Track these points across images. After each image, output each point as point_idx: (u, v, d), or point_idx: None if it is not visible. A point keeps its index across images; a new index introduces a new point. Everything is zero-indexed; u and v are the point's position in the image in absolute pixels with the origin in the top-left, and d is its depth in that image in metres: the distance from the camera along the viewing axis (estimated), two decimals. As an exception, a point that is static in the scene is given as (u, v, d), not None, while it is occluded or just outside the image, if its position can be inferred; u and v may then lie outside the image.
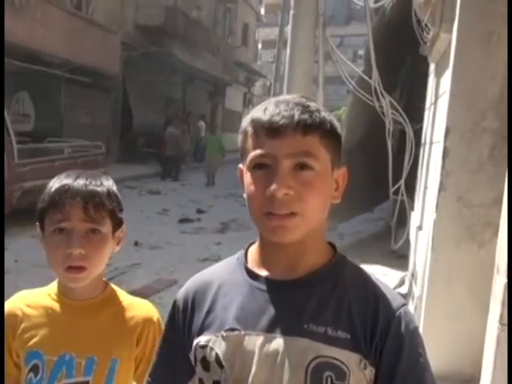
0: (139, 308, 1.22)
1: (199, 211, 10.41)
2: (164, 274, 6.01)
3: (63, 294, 1.21)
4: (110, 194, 1.19)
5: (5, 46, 10.23)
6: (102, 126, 14.85)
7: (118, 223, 1.21)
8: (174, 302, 1.03)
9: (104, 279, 1.25)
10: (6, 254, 6.45)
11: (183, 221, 9.29)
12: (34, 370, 1.17)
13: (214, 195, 12.76)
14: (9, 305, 1.25)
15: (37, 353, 1.17)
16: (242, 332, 0.92)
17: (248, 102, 30.50)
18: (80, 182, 1.17)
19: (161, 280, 5.65)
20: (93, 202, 1.14)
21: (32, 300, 1.23)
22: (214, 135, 16.53)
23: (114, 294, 1.25)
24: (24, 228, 7.92)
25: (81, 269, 1.14)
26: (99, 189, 1.17)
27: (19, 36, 10.84)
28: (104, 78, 14.69)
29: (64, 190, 1.16)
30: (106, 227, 1.17)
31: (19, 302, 1.24)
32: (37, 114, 12.44)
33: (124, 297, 1.25)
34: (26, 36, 11.13)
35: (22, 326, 1.20)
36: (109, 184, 1.21)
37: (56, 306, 1.21)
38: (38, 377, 1.16)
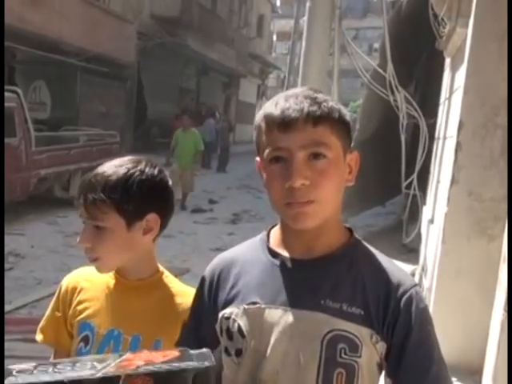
0: (188, 296, 1.23)
1: (211, 201, 10.49)
2: (177, 262, 6.10)
3: (117, 272, 1.26)
4: (111, 186, 1.16)
5: (22, 34, 10.34)
6: (117, 115, 14.97)
7: (132, 214, 1.18)
8: (202, 278, 1.11)
9: (160, 267, 1.29)
10: (23, 239, 6.58)
11: (196, 211, 9.37)
12: (85, 340, 1.23)
13: (226, 186, 12.83)
14: (70, 278, 1.32)
15: (88, 325, 1.24)
16: (263, 306, 0.99)
17: (262, 94, 30.47)
18: (88, 177, 1.20)
19: (173, 268, 5.72)
20: (89, 200, 1.16)
21: (91, 275, 1.29)
22: (185, 130, 9.76)
23: (163, 279, 1.28)
24: (40, 214, 8.07)
25: (94, 259, 1.20)
26: (99, 183, 1.16)
27: (37, 25, 10.94)
28: (119, 67, 14.78)
29: (79, 185, 1.23)
30: (111, 221, 1.17)
31: (80, 276, 1.31)
32: (53, 103, 12.57)
33: (175, 284, 1.28)
34: (43, 25, 11.23)
35: (78, 298, 1.28)
36: (120, 174, 1.17)
37: (111, 283, 1.27)
38: (88, 347, 1.22)
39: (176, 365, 0.86)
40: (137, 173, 1.18)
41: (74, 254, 5.83)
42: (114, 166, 1.20)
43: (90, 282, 1.29)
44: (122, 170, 1.18)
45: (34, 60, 11.60)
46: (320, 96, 0.98)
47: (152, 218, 1.21)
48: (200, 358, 0.88)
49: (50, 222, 7.75)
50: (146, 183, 1.19)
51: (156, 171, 1.22)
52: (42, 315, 1.35)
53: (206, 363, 0.87)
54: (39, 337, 1.33)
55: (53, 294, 1.35)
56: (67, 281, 1.32)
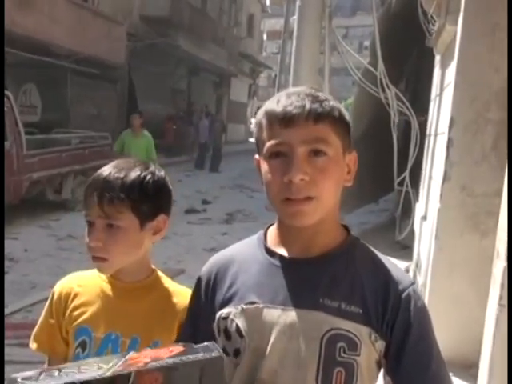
0: (183, 296, 1.24)
1: (205, 202, 10.48)
2: (171, 263, 6.09)
3: (112, 275, 1.26)
4: (129, 186, 1.17)
5: (12, 37, 10.28)
6: (108, 116, 14.88)
7: (146, 214, 1.20)
8: (199, 277, 1.11)
9: (153, 267, 1.29)
10: (16, 243, 6.54)
11: (189, 211, 9.35)
12: (82, 345, 1.22)
13: (219, 186, 12.82)
14: (63, 284, 1.31)
15: (85, 329, 1.23)
16: (261, 305, 0.99)
17: (253, 94, 30.49)
18: (101, 176, 1.19)
19: (168, 270, 5.71)
20: (106, 198, 1.15)
21: (84, 280, 1.29)
22: (135, 133, 7.84)
23: (159, 280, 1.28)
24: (33, 218, 8.03)
25: (101, 259, 1.19)
26: (115, 182, 1.17)
27: (26, 27, 10.88)
28: (110, 69, 14.72)
29: (88, 184, 1.21)
30: (126, 221, 1.17)
31: (72, 281, 1.30)
32: (44, 105, 12.49)
33: (169, 284, 1.29)
34: (33, 27, 11.16)
35: (73, 303, 1.26)
36: (135, 175, 1.19)
37: (106, 287, 1.26)
38: (86, 352, 1.21)
39: (184, 358, 0.85)
40: (149, 175, 1.22)
41: (68, 258, 5.82)
42: (126, 168, 1.21)
43: (83, 287, 1.28)
44: (136, 172, 1.20)
45: (24, 63, 11.52)
46: (321, 95, 0.99)
47: (162, 219, 1.24)
48: (206, 350, 0.88)
49: (42, 226, 7.71)
50: (159, 185, 1.23)
51: (163, 173, 1.26)
52: (38, 319, 1.34)
53: (214, 354, 0.87)
54: (33, 345, 1.31)
55: (48, 298, 1.33)
56: (60, 287, 1.30)
